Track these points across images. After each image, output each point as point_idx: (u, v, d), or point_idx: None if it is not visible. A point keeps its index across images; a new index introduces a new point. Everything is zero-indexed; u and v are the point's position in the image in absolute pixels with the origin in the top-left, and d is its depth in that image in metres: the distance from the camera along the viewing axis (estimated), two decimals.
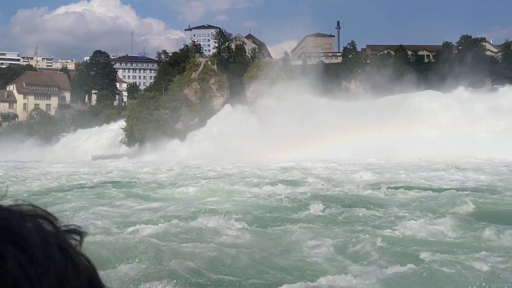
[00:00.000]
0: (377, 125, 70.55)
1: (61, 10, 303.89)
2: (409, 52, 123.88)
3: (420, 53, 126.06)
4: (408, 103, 75.02)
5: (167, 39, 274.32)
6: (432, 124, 63.21)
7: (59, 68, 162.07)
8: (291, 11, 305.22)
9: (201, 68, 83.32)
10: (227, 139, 76.13)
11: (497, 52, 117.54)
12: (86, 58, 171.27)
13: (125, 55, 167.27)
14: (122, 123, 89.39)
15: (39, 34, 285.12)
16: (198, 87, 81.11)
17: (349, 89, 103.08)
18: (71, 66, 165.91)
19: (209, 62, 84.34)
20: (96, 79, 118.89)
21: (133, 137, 78.30)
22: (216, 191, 21.23)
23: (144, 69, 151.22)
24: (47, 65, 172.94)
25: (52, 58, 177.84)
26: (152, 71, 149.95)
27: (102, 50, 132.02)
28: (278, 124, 77.12)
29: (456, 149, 54.92)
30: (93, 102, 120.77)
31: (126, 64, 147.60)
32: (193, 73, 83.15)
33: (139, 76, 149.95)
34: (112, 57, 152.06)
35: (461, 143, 56.77)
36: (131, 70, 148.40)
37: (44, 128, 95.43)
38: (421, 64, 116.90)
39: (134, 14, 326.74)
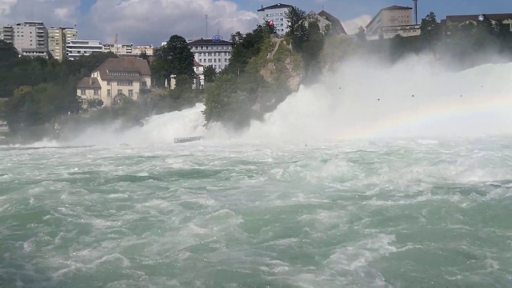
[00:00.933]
0: (463, 98, 67.31)
1: None
2: (493, 22, 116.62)
3: (505, 22, 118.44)
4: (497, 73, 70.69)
5: (239, 21, 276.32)
6: None
7: (138, 54, 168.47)
8: None
9: (276, 48, 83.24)
10: (303, 120, 75.93)
11: None
12: (163, 43, 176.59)
13: (200, 38, 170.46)
14: (201, 106, 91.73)
15: (117, 21, 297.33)
16: (274, 67, 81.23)
17: (429, 62, 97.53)
18: (149, 51, 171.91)
19: (284, 42, 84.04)
20: (174, 63, 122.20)
21: (211, 119, 79.99)
22: None
23: (219, 52, 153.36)
24: (126, 52, 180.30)
25: (132, 45, 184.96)
26: (227, 53, 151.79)
27: (177, 35, 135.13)
28: (355, 102, 75.52)
29: None
30: (172, 86, 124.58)
31: (201, 47, 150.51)
32: (268, 54, 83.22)
33: (214, 59, 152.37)
34: (188, 41, 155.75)
35: None
36: (206, 54, 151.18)
37: (128, 113, 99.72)
38: (507, 34, 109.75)
39: None
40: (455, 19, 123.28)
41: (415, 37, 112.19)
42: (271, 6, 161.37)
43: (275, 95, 79.87)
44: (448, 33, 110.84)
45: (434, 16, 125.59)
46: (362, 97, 74.94)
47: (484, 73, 72.60)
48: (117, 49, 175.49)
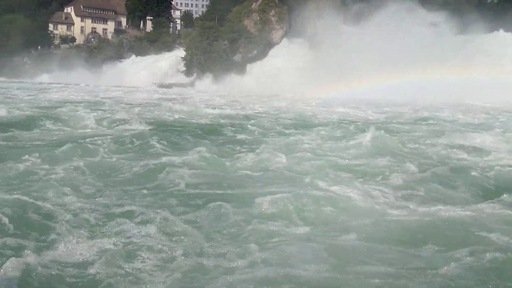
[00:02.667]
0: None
1: None
2: None
3: None
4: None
5: None
6: None
7: None
8: None
9: None
10: (284, 74, 76.05)
11: None
12: None
13: None
14: (178, 52, 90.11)
15: None
16: (258, 18, 80.00)
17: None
18: None
19: None
20: (151, 5, 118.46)
21: (192, 66, 78.96)
22: None
23: None
24: None
25: None
26: None
27: None
28: (337, 60, 75.31)
29: None
30: (148, 29, 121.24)
31: None
32: (253, 4, 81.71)
33: (191, 3, 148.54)
34: None
35: None
36: None
37: (103, 52, 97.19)
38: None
39: None
40: None
41: None
42: None
43: (258, 47, 79.22)
44: None
45: None
46: (342, 55, 74.99)
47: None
48: None
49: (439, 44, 71.43)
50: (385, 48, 71.86)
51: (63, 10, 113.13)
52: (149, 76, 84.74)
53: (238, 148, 15.45)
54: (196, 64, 77.64)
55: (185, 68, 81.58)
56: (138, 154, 14.11)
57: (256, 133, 19.53)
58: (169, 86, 75.57)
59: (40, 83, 79.86)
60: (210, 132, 19.10)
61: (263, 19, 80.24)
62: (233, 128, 20.47)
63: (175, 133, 17.39)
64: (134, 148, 15.02)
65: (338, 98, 53.50)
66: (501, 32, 73.58)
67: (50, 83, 77.64)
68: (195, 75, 79.72)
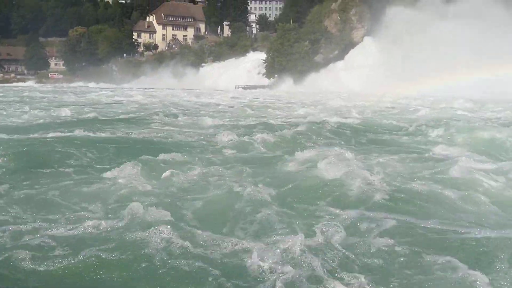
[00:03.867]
0: None
1: None
2: None
3: None
4: None
5: None
6: None
7: None
8: None
9: None
10: (366, 73, 75.51)
11: None
12: None
13: None
14: (258, 54, 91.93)
15: None
16: (338, 18, 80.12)
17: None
18: None
19: None
20: (228, 10, 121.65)
21: (273, 68, 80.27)
22: None
23: (270, 1, 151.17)
24: None
25: None
26: (278, 1, 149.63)
27: None
28: (421, 58, 74.15)
29: None
30: (225, 33, 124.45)
31: None
32: (333, 4, 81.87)
33: (265, 7, 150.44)
34: None
35: None
36: (257, 2, 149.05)
37: (185, 58, 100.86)
38: None
39: None
40: None
41: None
42: None
43: (339, 46, 79.27)
44: None
45: None
46: (429, 50, 73.47)
47: None
48: None
49: None
50: (476, 40, 69.51)
51: (145, 19, 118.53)
52: (231, 79, 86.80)
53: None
54: (277, 66, 78.83)
55: (265, 70, 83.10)
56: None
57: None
58: (252, 87, 77.25)
59: (130, 88, 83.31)
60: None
61: (344, 19, 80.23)
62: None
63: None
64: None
65: (430, 95, 52.26)
66: None
67: (139, 88, 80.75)
68: (276, 76, 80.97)
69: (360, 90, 65.75)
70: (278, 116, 22.83)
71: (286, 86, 75.82)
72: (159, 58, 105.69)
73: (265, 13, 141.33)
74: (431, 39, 75.54)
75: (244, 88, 79.12)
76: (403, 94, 53.26)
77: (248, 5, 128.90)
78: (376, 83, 68.48)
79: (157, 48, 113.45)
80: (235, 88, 79.65)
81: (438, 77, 65.36)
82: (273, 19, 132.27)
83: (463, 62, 66.25)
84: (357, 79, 74.22)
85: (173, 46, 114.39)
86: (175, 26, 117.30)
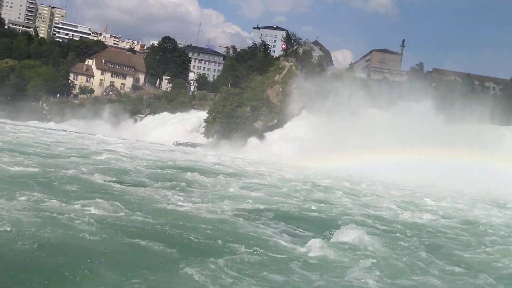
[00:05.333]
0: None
1: None
2: (476, 82, 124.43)
3: (486, 84, 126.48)
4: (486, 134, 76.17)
5: (223, 32, 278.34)
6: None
7: (125, 47, 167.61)
8: (350, 22, 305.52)
9: (285, 72, 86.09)
10: (299, 144, 78.99)
11: None
12: (153, 41, 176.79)
13: (189, 44, 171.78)
14: (198, 113, 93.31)
15: (100, 9, 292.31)
16: (280, 90, 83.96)
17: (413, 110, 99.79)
18: (137, 47, 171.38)
19: (293, 67, 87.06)
20: (169, 65, 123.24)
21: (213, 129, 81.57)
22: None
23: (209, 61, 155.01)
24: (114, 43, 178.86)
25: (120, 37, 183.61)
26: (217, 63, 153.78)
27: (162, 35, 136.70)
28: (348, 136, 79.60)
29: None
30: (163, 87, 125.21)
31: (193, 54, 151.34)
32: (277, 76, 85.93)
33: (204, 67, 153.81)
34: (179, 45, 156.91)
35: None
36: (197, 61, 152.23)
37: (122, 106, 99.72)
38: (487, 96, 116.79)
39: (196, 4, 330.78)
40: (441, 72, 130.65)
41: (401, 83, 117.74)
42: (267, 27, 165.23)
43: (278, 116, 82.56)
44: (434, 85, 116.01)
45: (423, 66, 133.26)
46: (352, 131, 79.18)
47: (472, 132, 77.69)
48: (105, 38, 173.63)
49: (456, 131, 76.21)
50: (399, 130, 76.37)
51: (83, 62, 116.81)
52: (169, 134, 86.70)
53: None
54: (218, 126, 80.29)
55: (204, 129, 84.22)
56: None
57: None
58: (189, 145, 77.72)
59: (62, 130, 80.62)
60: None
61: (285, 91, 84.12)
62: None
63: None
64: None
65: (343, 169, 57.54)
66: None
67: (69, 131, 78.33)
68: (215, 137, 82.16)
69: (290, 159, 68.69)
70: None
71: (224, 148, 76.98)
72: (95, 102, 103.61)
73: (204, 73, 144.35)
74: (364, 123, 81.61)
75: (181, 144, 79.33)
76: (320, 168, 57.87)
77: (190, 63, 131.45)
78: (305, 155, 71.88)
79: (93, 93, 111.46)
80: (174, 144, 79.65)
81: (359, 155, 70.35)
82: (211, 79, 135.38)
83: (385, 146, 72.16)
84: (290, 149, 77.31)
85: (110, 92, 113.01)
86: (114, 73, 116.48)
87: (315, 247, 12.88)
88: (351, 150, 72.75)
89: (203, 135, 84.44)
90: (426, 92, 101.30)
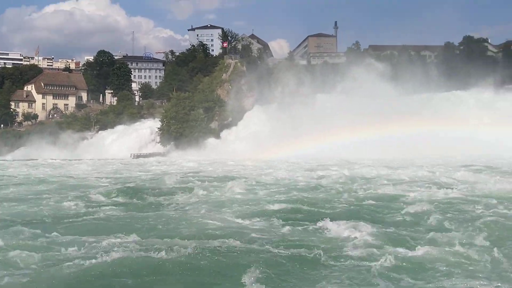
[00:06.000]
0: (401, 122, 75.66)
1: (50, 8, 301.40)
2: (412, 53, 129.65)
3: (422, 53, 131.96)
4: (434, 103, 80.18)
5: (156, 38, 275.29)
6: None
7: (60, 67, 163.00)
8: (281, 10, 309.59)
9: (231, 69, 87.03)
10: (257, 138, 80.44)
11: (497, 52, 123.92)
12: (87, 57, 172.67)
13: (126, 54, 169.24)
14: (149, 122, 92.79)
15: (28, 32, 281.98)
16: (230, 87, 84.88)
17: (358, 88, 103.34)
18: (72, 65, 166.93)
19: (239, 64, 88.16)
20: (111, 79, 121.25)
21: (168, 136, 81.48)
22: None
23: (149, 69, 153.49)
24: (47, 65, 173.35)
25: (53, 58, 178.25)
26: (157, 70, 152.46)
27: (95, 49, 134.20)
28: (302, 123, 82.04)
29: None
30: (107, 101, 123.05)
31: (131, 64, 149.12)
32: (224, 74, 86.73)
33: (145, 75, 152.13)
34: (115, 57, 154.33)
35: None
36: (136, 70, 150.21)
37: (70, 127, 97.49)
38: (424, 64, 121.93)
39: (123, 13, 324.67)
40: (376, 48, 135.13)
41: (340, 64, 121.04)
42: (202, 27, 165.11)
43: (232, 114, 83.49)
44: (372, 60, 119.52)
45: (359, 45, 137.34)
46: (305, 118, 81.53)
47: (423, 102, 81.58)
48: (38, 61, 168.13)
49: (403, 102, 79.77)
50: (350, 110, 79.26)
51: (21, 88, 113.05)
52: (124, 147, 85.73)
53: None
54: (174, 132, 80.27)
55: (160, 138, 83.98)
56: None
57: None
58: (148, 156, 77.37)
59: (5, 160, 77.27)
60: None
61: (235, 88, 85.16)
62: None
63: None
64: None
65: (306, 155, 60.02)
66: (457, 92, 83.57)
67: (14, 160, 75.15)
68: (172, 143, 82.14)
69: (250, 154, 70.04)
70: None
71: (183, 152, 77.28)
72: (41, 128, 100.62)
73: (147, 81, 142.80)
74: (315, 108, 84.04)
75: (139, 156, 78.79)
76: (280, 156, 60.11)
77: (131, 74, 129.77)
78: (264, 147, 73.46)
79: (37, 118, 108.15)
80: (131, 157, 78.96)
81: (316, 140, 72.91)
82: (155, 87, 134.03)
83: (340, 128, 74.82)
84: (248, 144, 78.59)
85: (55, 115, 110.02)
86: (55, 95, 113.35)
87: None
88: (307, 136, 75.31)
89: (159, 143, 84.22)
90: (367, 69, 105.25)
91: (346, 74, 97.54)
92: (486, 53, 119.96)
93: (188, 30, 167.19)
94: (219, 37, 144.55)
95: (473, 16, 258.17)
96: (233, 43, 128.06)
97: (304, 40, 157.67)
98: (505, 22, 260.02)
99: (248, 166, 46.07)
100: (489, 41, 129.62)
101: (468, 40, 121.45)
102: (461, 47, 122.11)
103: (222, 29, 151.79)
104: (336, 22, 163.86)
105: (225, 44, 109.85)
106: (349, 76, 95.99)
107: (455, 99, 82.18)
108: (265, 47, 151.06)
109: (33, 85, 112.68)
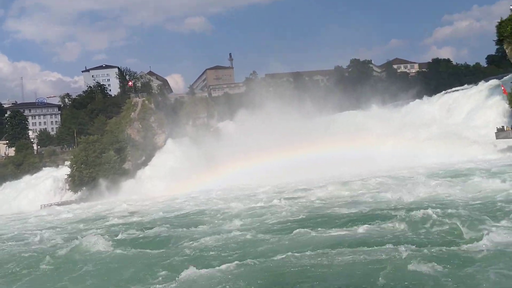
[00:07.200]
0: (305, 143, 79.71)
1: None
2: (306, 78, 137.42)
3: (315, 77, 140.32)
4: (335, 123, 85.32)
5: (44, 82, 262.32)
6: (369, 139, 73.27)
7: None
8: (172, 46, 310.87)
9: (139, 107, 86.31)
10: (172, 173, 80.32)
11: (381, 72, 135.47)
12: None
13: (15, 101, 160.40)
14: (55, 171, 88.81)
15: None
16: (140, 126, 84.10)
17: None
18: None
19: (146, 101, 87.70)
20: (4, 128, 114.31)
21: (80, 181, 78.33)
22: None
23: (44, 115, 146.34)
24: None
25: None
26: (53, 115, 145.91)
27: None
28: (211, 156, 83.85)
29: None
30: (2, 153, 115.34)
31: (24, 111, 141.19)
32: (132, 113, 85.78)
33: (39, 122, 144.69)
34: (5, 105, 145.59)
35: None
36: (30, 117, 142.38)
37: None
38: (318, 88, 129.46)
39: (6, 59, 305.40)
40: (272, 76, 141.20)
41: (241, 94, 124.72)
42: (97, 67, 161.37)
43: (145, 152, 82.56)
44: (270, 89, 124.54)
45: (257, 74, 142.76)
46: (216, 148, 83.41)
47: (325, 123, 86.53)
48: None
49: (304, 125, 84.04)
50: (256, 139, 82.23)
51: None
52: (31, 199, 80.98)
53: None
54: (86, 177, 77.35)
55: (70, 184, 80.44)
56: None
57: None
58: (63, 203, 73.80)
59: None
60: None
61: (145, 126, 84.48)
62: None
63: None
64: None
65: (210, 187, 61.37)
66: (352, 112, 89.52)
67: None
68: (83, 189, 79.02)
69: (165, 190, 70.13)
70: None
71: (100, 196, 74.58)
72: None
73: (43, 128, 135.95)
74: (224, 139, 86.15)
75: (51, 205, 74.74)
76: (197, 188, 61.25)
77: (27, 122, 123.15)
78: (179, 180, 73.83)
79: None
80: (41, 208, 74.65)
81: (225, 168, 74.99)
82: (52, 133, 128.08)
83: (245, 155, 77.50)
84: (163, 181, 78.15)
85: None
86: None
87: None
88: (218, 166, 77.03)
89: (70, 190, 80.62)
90: (267, 96, 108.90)
91: (248, 102, 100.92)
92: (372, 73, 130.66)
93: (82, 71, 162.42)
94: (117, 76, 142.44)
95: (353, 40, 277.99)
96: (133, 81, 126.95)
97: (203, 74, 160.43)
98: (380, 43, 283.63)
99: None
100: (373, 62, 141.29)
101: (355, 62, 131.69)
102: (350, 69, 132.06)
103: (118, 67, 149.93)
104: (230, 54, 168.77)
105: (130, 83, 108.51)
106: (252, 103, 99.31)
107: (349, 118, 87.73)
108: (164, 83, 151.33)
109: None
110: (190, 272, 14.13)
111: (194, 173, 75.61)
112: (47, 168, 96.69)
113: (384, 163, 60.02)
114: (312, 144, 79.65)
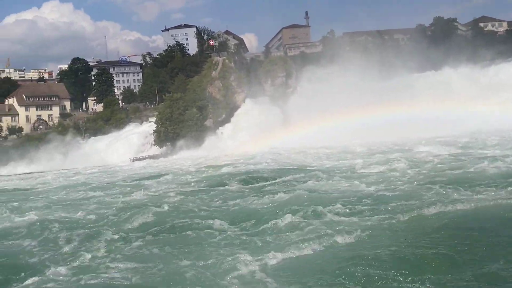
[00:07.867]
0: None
1: (11, 19, 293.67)
2: (386, 37, 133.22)
3: (395, 36, 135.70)
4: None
5: (124, 41, 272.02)
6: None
7: (34, 78, 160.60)
8: (249, 4, 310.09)
9: (219, 66, 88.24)
10: (249, 132, 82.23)
11: (466, 30, 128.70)
12: (61, 66, 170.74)
13: (99, 60, 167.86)
14: (144, 126, 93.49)
15: None
16: (221, 84, 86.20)
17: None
18: (45, 75, 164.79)
19: (227, 61, 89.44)
20: (94, 85, 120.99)
21: (165, 137, 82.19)
22: None
23: (127, 73, 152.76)
24: (19, 77, 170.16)
25: (24, 69, 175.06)
26: (135, 74, 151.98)
27: (63, 57, 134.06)
28: (289, 114, 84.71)
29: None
30: (90, 108, 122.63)
31: (109, 69, 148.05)
32: (213, 72, 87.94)
33: (123, 80, 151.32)
34: (91, 64, 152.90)
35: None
36: (115, 75, 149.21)
37: (60, 137, 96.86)
38: (399, 47, 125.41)
39: (88, 18, 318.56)
40: (351, 35, 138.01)
41: (318, 53, 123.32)
42: (176, 27, 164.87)
43: (225, 110, 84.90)
44: (348, 48, 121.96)
45: (334, 33, 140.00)
46: (302, 108, 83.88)
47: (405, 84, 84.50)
48: (9, 73, 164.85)
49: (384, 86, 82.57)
50: (336, 99, 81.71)
51: (5, 102, 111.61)
52: (120, 153, 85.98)
53: None
54: (171, 133, 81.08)
55: (156, 140, 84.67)
56: None
57: None
58: (150, 157, 78.05)
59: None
60: None
61: (225, 85, 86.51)
62: None
63: None
64: None
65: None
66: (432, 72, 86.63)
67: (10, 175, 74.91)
68: (168, 144, 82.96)
69: (244, 147, 72.17)
70: None
71: (186, 151, 78.16)
72: (28, 140, 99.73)
73: (126, 86, 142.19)
74: (302, 97, 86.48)
75: (139, 159, 79.23)
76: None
77: (113, 80, 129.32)
78: (256, 139, 75.54)
79: (22, 131, 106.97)
80: (130, 160, 79.45)
81: (305, 127, 75.65)
82: (136, 90, 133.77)
83: (330, 113, 77.51)
84: (242, 138, 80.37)
85: (39, 126, 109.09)
86: (38, 106, 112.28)
87: None
88: (298, 123, 78.00)
89: (155, 145, 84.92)
90: (345, 56, 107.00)
91: (325, 61, 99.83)
92: (456, 32, 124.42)
93: (162, 30, 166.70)
94: (195, 35, 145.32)
95: None
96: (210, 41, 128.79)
97: (278, 33, 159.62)
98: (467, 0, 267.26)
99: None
100: (458, 20, 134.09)
101: (438, 20, 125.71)
102: (432, 28, 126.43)
103: (197, 27, 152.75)
104: (307, 12, 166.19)
105: (212, 42, 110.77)
106: (329, 62, 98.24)
107: (433, 78, 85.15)
108: (240, 42, 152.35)
109: (14, 98, 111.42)
110: None
111: (273, 131, 77.30)
112: (132, 123, 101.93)
113: (473, 126, 58.57)
114: (392, 104, 78.59)
